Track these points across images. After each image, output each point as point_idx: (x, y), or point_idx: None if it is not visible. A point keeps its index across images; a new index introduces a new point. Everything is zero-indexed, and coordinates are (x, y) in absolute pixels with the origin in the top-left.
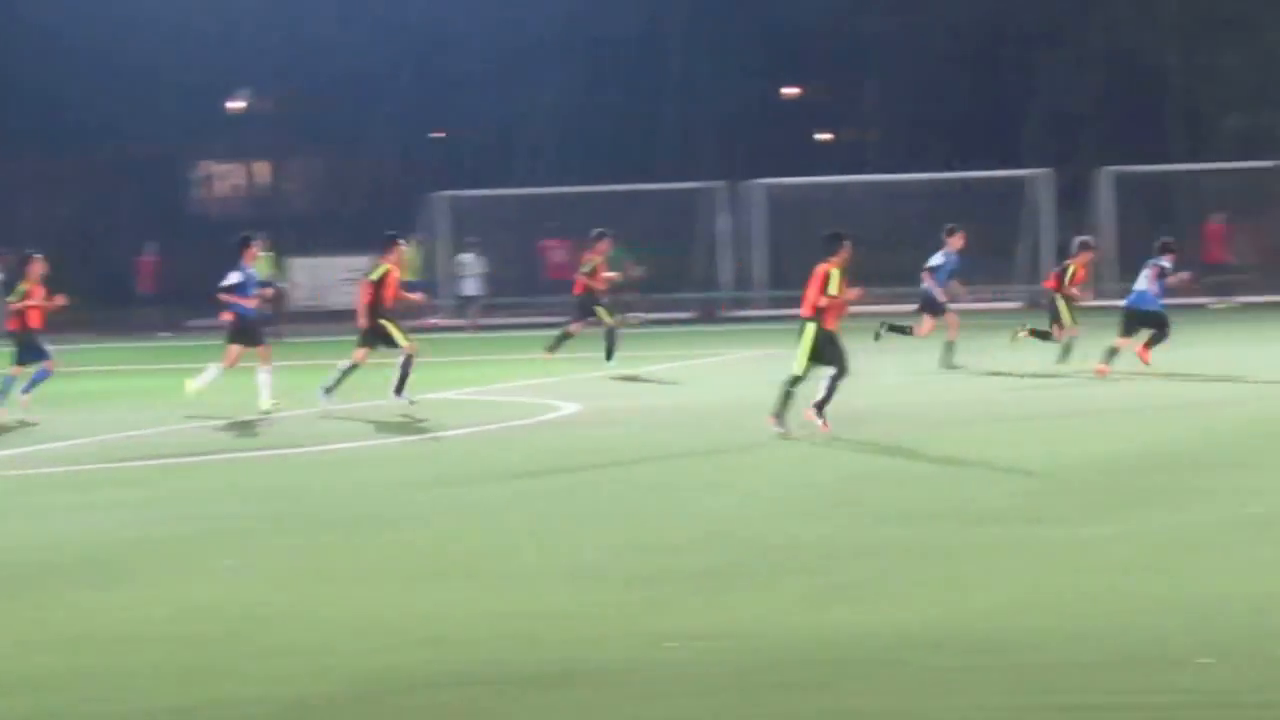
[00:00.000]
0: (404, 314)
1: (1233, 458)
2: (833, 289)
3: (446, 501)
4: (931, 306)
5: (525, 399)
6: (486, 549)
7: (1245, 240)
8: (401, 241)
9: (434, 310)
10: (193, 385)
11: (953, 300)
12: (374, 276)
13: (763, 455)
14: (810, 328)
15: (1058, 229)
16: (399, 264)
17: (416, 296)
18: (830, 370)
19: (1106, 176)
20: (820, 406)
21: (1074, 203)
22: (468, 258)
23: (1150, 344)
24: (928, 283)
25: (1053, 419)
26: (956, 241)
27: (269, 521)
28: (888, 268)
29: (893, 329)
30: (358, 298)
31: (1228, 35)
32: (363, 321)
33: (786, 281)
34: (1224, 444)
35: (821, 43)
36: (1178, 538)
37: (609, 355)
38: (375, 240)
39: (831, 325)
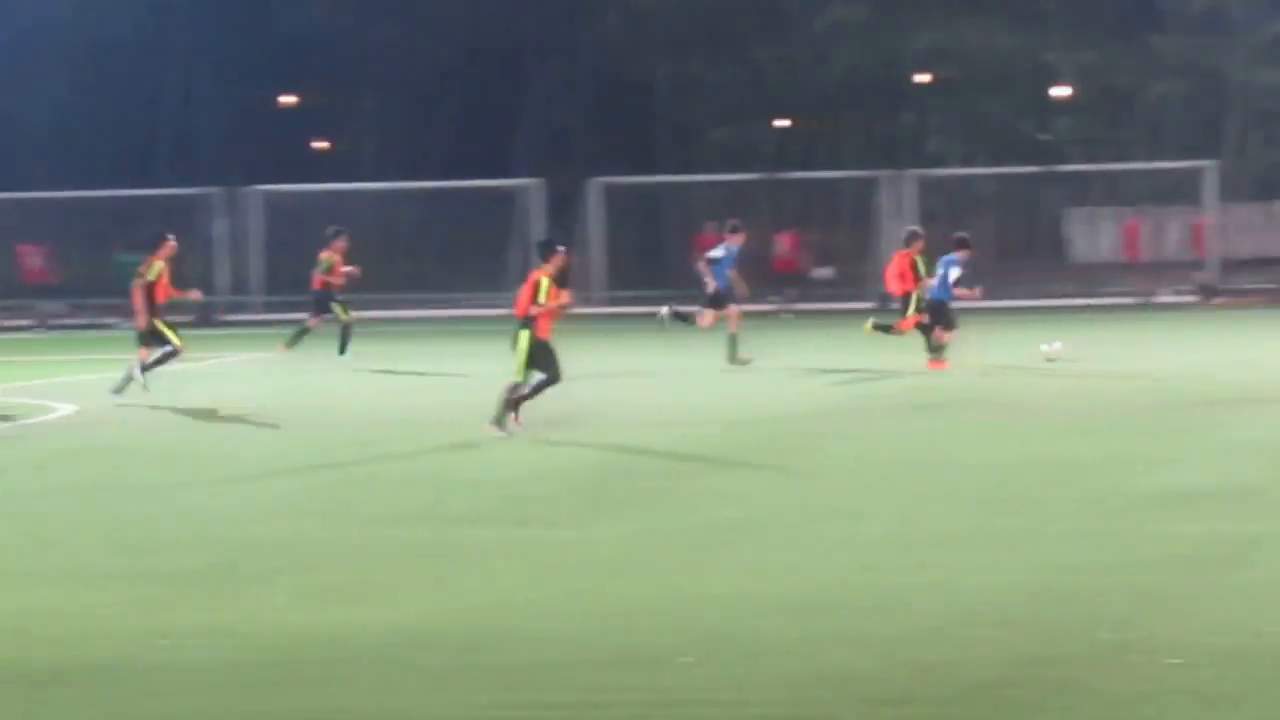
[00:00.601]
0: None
1: (715, 463)
2: (543, 297)
3: None
4: (714, 300)
5: (22, 399)
6: None
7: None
8: (170, 238)
9: None
10: None
11: (737, 295)
12: (150, 276)
13: (260, 455)
14: (524, 335)
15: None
16: (169, 260)
17: (195, 294)
18: (540, 376)
19: (596, 187)
20: (517, 402)
21: (565, 212)
22: None
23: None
24: (705, 274)
25: (671, 423)
26: (737, 239)
27: None
28: (383, 273)
29: (677, 316)
30: (133, 298)
31: (715, 51)
32: (142, 322)
33: (283, 286)
34: (705, 451)
35: (319, 52)
36: (657, 540)
37: (342, 350)
38: None
39: (544, 333)
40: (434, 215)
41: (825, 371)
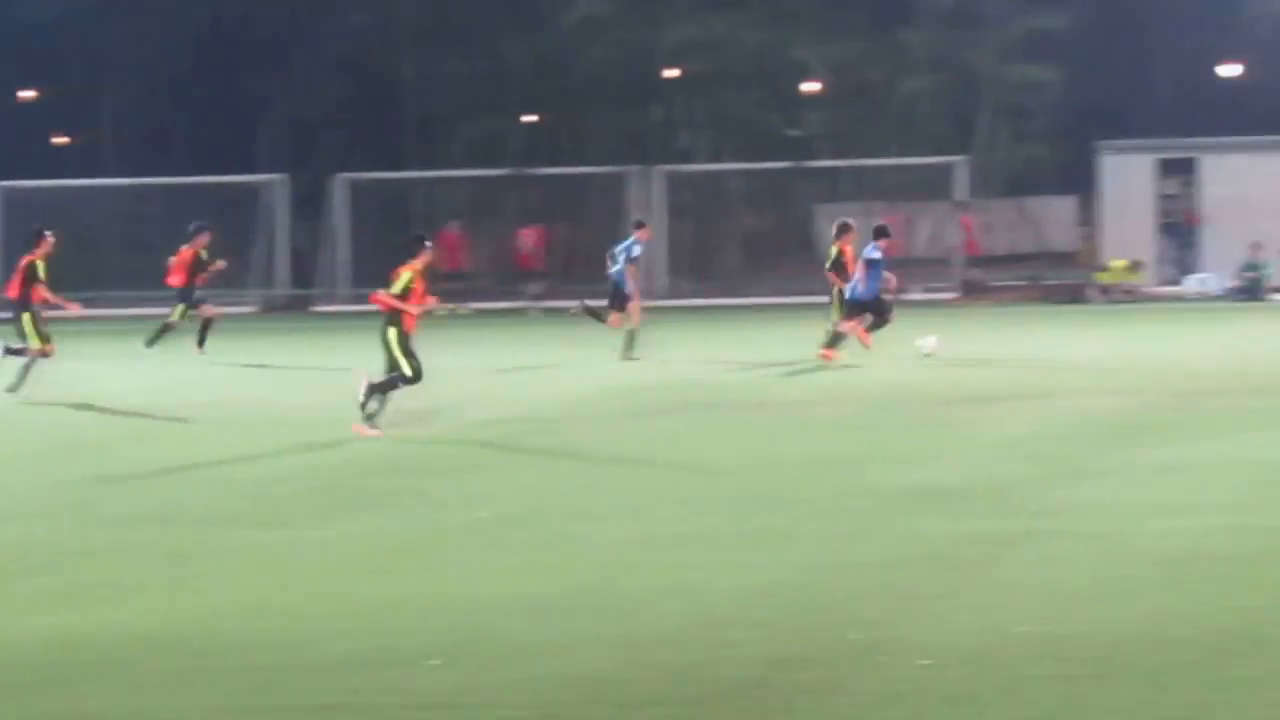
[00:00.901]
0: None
1: (470, 462)
2: (396, 288)
3: None
4: (619, 298)
5: None
6: None
7: (480, 247)
8: (49, 234)
9: None
10: None
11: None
12: (35, 276)
13: (4, 455)
14: (393, 331)
15: (293, 235)
16: (45, 257)
17: (75, 306)
18: (390, 374)
19: (341, 183)
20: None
21: (310, 209)
22: None
23: (871, 329)
24: (625, 270)
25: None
26: (645, 233)
27: None
28: (127, 270)
29: (588, 312)
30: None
31: (462, 45)
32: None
33: None
34: (461, 450)
35: (59, 44)
36: (406, 541)
37: (149, 343)
38: None
39: (410, 328)
40: (177, 211)
41: (605, 371)
